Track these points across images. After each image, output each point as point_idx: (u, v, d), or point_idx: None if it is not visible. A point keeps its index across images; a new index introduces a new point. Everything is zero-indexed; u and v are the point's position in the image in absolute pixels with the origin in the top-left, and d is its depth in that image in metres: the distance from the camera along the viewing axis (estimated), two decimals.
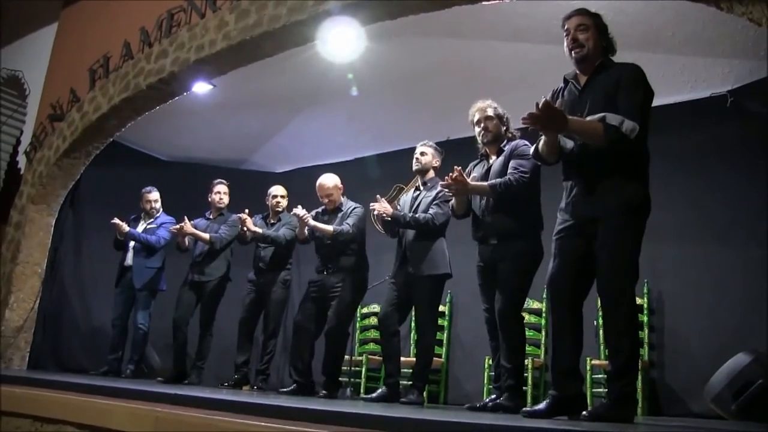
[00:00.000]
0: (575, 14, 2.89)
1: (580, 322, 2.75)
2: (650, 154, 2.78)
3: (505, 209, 3.54)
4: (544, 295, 4.88)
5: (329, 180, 4.84)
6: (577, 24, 2.86)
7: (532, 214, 3.60)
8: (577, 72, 2.91)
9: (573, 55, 2.86)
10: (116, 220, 5.70)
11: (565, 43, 2.89)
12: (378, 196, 4.37)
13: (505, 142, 3.76)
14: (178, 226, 5.49)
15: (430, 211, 4.19)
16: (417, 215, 4.20)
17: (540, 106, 2.60)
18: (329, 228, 4.64)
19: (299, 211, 4.66)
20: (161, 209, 6.01)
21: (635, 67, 2.78)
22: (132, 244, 5.85)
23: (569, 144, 2.81)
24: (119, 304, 5.84)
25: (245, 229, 5.20)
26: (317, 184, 4.85)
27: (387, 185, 6.55)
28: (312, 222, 4.65)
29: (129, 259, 5.84)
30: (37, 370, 5.74)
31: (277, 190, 5.51)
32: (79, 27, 6.29)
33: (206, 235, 5.54)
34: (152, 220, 5.94)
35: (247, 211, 5.24)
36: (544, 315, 5.20)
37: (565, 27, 2.89)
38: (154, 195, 6.01)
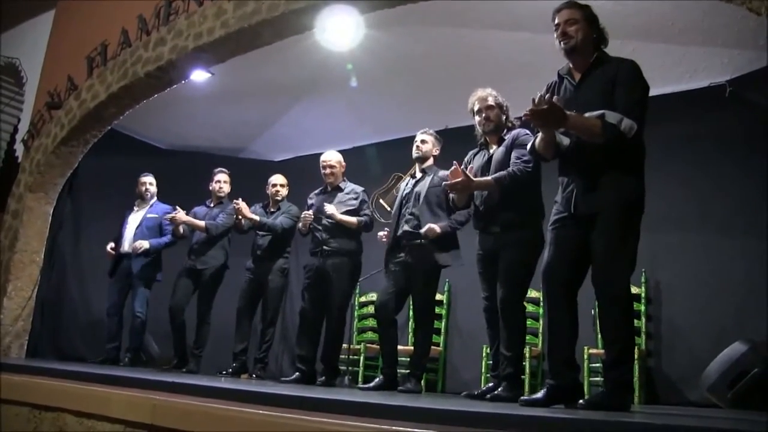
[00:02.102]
0: (564, 7, 2.88)
1: (576, 310, 2.76)
2: (649, 144, 2.78)
3: (507, 199, 3.53)
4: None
5: (333, 154, 4.97)
6: (566, 18, 2.84)
7: (534, 204, 3.59)
8: (571, 67, 2.90)
9: (562, 46, 2.85)
10: (141, 243, 5.68)
11: (555, 36, 2.88)
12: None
13: (505, 131, 3.74)
14: (171, 215, 5.50)
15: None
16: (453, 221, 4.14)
17: (538, 101, 2.59)
18: (352, 219, 4.66)
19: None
20: (155, 194, 6.01)
21: (632, 63, 2.77)
22: (127, 232, 5.84)
23: (566, 141, 2.80)
24: (114, 293, 5.82)
25: (240, 218, 5.21)
26: (321, 157, 4.94)
27: (386, 174, 6.56)
28: (338, 216, 4.62)
29: (126, 246, 5.81)
30: (35, 359, 5.75)
31: (277, 179, 5.51)
32: (76, 14, 6.26)
33: (201, 223, 5.54)
34: (148, 207, 5.94)
35: (240, 199, 5.24)
36: (541, 304, 5.21)
37: (555, 20, 2.88)
38: (149, 178, 6.02)
